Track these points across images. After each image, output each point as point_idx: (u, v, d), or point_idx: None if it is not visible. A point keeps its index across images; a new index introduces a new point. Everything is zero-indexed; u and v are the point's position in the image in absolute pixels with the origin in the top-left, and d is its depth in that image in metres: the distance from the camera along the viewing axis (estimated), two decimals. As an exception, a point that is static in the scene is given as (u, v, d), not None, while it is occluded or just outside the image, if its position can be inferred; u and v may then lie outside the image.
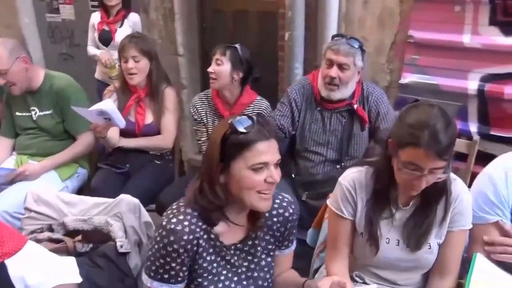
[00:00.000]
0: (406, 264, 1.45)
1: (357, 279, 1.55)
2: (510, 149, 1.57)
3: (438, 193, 1.38)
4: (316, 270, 1.70)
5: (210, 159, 1.24)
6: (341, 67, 2.03)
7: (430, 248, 1.42)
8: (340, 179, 1.49)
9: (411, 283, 1.50)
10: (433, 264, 1.45)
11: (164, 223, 1.25)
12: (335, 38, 2.07)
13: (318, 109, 2.17)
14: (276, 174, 1.23)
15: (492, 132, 2.17)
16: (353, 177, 1.46)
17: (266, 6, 3.04)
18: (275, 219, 1.37)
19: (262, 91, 2.44)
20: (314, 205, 2.07)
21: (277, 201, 1.38)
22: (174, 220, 1.24)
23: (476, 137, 2.18)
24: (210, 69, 2.24)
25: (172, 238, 1.21)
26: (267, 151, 1.21)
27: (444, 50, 2.20)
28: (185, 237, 1.22)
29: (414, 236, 1.40)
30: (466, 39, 2.12)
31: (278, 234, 1.39)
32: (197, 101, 2.39)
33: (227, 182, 1.24)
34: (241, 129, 1.20)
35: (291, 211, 1.39)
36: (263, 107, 2.30)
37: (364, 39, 2.47)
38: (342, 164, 2.16)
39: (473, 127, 2.22)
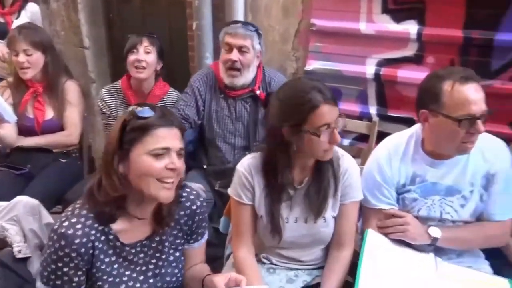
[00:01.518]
0: (305, 240, 1.51)
1: (264, 261, 1.60)
2: (406, 128, 1.66)
3: (327, 168, 1.45)
4: (228, 257, 1.72)
5: (108, 148, 1.20)
6: (240, 50, 2.08)
7: (325, 221, 1.48)
8: (237, 166, 1.51)
9: (314, 258, 1.57)
10: (331, 237, 1.52)
11: (56, 227, 1.19)
12: (231, 24, 2.10)
13: (222, 97, 2.19)
14: (177, 161, 1.21)
15: (389, 113, 2.31)
16: (249, 163, 1.49)
17: (174, -5, 2.99)
18: (182, 213, 1.36)
19: (174, 82, 2.40)
20: (227, 193, 2.09)
21: (184, 194, 1.37)
22: (65, 223, 1.18)
23: (375, 119, 2.33)
24: (140, 57, 2.16)
25: (63, 243, 1.16)
26: (168, 137, 1.20)
27: (344, 37, 2.31)
28: (77, 241, 1.17)
29: (311, 210, 1.46)
30: (362, 26, 2.24)
31: (186, 227, 1.38)
32: (105, 93, 2.30)
33: (126, 173, 1.20)
34: (142, 114, 1.18)
35: (198, 204, 1.39)
36: (175, 99, 2.27)
37: (271, 27, 2.53)
38: (251, 150, 2.18)
39: (373, 109, 2.35)
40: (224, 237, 1.84)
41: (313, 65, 2.43)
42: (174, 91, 2.31)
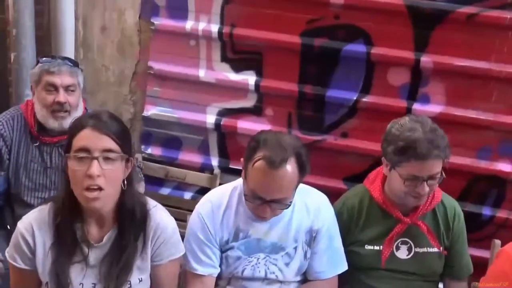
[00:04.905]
0: None
1: None
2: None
3: (135, 223, 1.24)
4: None
5: None
6: (67, 89, 1.82)
7: (130, 286, 1.25)
8: (18, 223, 1.25)
9: None
10: None
11: None
12: (45, 61, 1.82)
13: (36, 145, 1.84)
14: None
15: (231, 166, 2.20)
16: (32, 217, 1.24)
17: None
18: None
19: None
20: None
21: None
22: None
23: (217, 171, 2.20)
24: None
25: None
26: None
27: (183, 83, 2.18)
28: None
29: (113, 275, 1.22)
30: (202, 73, 2.14)
31: None
32: None
33: None
34: None
35: None
36: None
37: (105, 68, 2.29)
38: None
39: (215, 161, 2.23)
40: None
41: (151, 110, 2.23)
42: None
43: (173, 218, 1.34)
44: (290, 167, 1.30)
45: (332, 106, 2.04)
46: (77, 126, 1.18)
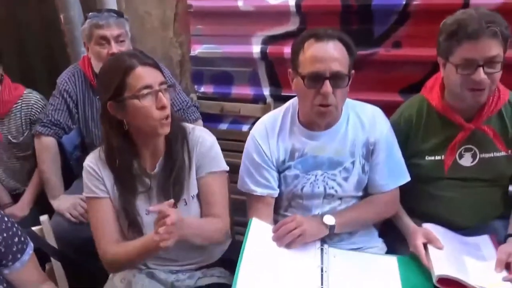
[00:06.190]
0: None
1: (140, 266, 1.46)
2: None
3: (178, 144, 1.35)
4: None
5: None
6: (118, 40, 1.89)
7: (186, 204, 1.36)
8: (83, 164, 1.39)
9: (192, 256, 1.46)
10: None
11: None
12: (92, 15, 1.89)
13: (98, 97, 1.96)
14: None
15: (283, 93, 2.18)
16: (94, 156, 1.38)
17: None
18: None
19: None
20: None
21: None
22: None
23: (269, 100, 2.20)
24: None
25: None
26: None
27: (224, 17, 2.13)
28: None
29: (169, 194, 1.33)
30: (240, 2, 2.07)
31: None
32: None
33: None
34: None
35: None
36: (32, 102, 2.01)
37: (147, 14, 2.31)
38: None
39: (266, 91, 2.21)
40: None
41: (197, 49, 2.23)
42: (30, 93, 2.06)
43: (213, 136, 1.43)
44: (337, 43, 1.33)
45: (380, 14, 1.89)
46: (125, 67, 1.25)
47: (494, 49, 1.30)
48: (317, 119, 1.41)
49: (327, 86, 1.30)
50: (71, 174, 2.13)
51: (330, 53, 1.31)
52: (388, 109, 1.64)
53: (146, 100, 1.24)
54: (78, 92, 1.98)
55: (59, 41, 2.53)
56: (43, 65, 2.78)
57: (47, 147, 1.95)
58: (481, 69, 1.30)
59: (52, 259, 1.68)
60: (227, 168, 1.44)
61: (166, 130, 1.29)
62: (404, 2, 1.84)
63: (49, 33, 2.68)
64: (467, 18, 1.32)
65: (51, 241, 1.67)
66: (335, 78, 1.32)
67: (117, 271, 1.41)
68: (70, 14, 2.29)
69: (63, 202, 1.89)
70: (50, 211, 1.88)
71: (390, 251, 1.55)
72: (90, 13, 1.93)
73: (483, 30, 1.27)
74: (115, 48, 1.87)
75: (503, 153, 1.49)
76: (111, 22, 1.88)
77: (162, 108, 1.25)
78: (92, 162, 1.38)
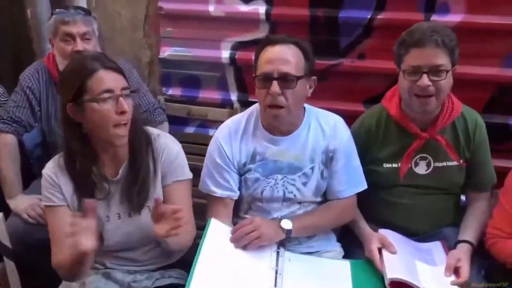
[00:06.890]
0: (135, 237, 1.38)
1: (97, 266, 1.44)
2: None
3: (142, 150, 1.35)
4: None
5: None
6: (84, 38, 1.86)
7: (150, 211, 1.35)
8: (42, 172, 1.35)
9: (151, 257, 1.44)
10: None
11: None
12: (59, 12, 1.87)
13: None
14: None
15: (250, 99, 2.21)
16: (51, 165, 1.35)
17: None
18: None
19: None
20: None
21: None
22: None
23: (236, 105, 2.23)
24: None
25: None
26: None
27: (195, 21, 2.15)
28: None
29: (133, 201, 1.33)
30: (212, 8, 2.10)
31: None
32: None
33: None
34: None
35: None
36: None
37: (117, 13, 2.29)
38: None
39: (234, 96, 2.24)
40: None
41: (167, 52, 2.24)
42: None
43: (179, 144, 1.43)
44: (292, 47, 1.39)
45: (346, 27, 1.96)
46: (86, 70, 1.23)
47: (440, 58, 1.39)
48: (271, 121, 1.45)
49: (275, 86, 1.35)
50: (30, 174, 2.07)
51: (281, 55, 1.37)
52: (352, 118, 1.69)
53: (106, 104, 1.22)
54: (42, 89, 1.95)
55: (26, 37, 2.48)
56: (7, 60, 2.72)
57: (6, 144, 1.90)
58: (425, 75, 1.39)
59: (5, 258, 1.63)
60: (191, 176, 1.44)
61: (123, 141, 1.27)
62: (369, 16, 1.91)
63: (16, 27, 2.62)
64: (416, 28, 1.43)
65: (5, 240, 1.63)
66: (283, 79, 1.36)
67: (64, 278, 1.38)
68: (38, 10, 2.26)
69: (21, 203, 1.83)
70: (5, 209, 1.82)
71: (347, 255, 1.58)
72: (57, 9, 1.91)
73: (427, 38, 1.37)
74: (80, 45, 1.84)
75: (455, 163, 1.56)
76: (78, 19, 1.86)
77: (122, 113, 1.24)
78: (50, 170, 1.35)
